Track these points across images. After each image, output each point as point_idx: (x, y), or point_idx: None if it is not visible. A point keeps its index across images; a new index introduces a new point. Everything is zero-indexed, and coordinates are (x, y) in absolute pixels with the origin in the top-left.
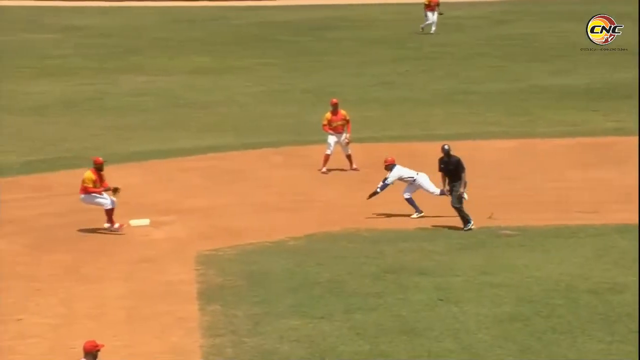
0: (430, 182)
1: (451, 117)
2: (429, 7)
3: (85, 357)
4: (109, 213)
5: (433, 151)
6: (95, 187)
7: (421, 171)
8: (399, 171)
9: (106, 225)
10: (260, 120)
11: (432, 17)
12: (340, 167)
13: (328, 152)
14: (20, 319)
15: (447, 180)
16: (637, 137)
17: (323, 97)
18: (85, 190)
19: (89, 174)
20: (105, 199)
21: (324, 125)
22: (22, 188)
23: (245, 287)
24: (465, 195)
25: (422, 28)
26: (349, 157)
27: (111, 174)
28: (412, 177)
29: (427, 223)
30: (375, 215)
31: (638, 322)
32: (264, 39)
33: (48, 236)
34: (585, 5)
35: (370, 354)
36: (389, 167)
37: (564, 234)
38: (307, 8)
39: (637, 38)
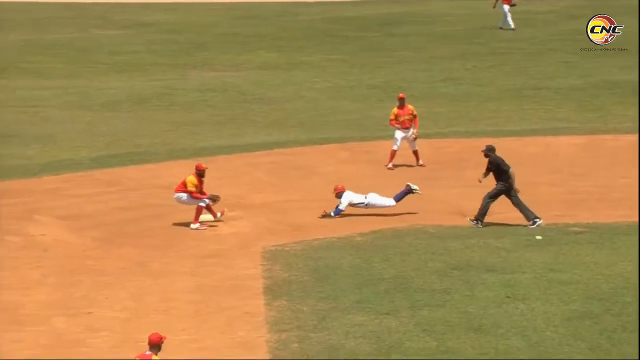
0: (381, 197)
1: (520, 112)
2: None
3: (150, 350)
4: (200, 210)
5: (500, 147)
6: (197, 192)
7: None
8: (350, 197)
9: (194, 226)
10: (326, 115)
11: (506, 10)
12: (406, 163)
13: (394, 147)
14: (90, 313)
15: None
16: None
17: (390, 92)
18: (186, 192)
19: (192, 178)
20: (204, 203)
21: (391, 120)
22: (93, 183)
23: (311, 282)
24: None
25: (501, 27)
26: (415, 152)
27: (179, 170)
28: (362, 202)
29: (493, 219)
30: (441, 212)
31: (638, 322)
32: (331, 35)
33: (118, 230)
34: None
35: (436, 350)
36: (339, 194)
37: (633, 231)
38: (375, 3)
39: (638, 37)
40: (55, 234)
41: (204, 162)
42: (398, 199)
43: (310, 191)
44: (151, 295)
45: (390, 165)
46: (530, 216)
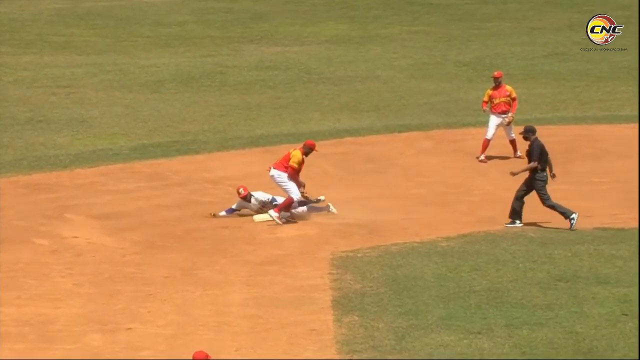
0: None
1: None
2: None
3: None
4: (289, 204)
5: (614, 136)
6: (297, 172)
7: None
8: (259, 196)
9: (275, 214)
10: (406, 98)
11: None
12: (502, 155)
13: (488, 136)
14: (130, 329)
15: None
16: None
17: (482, 71)
18: (286, 168)
19: (298, 153)
20: (296, 190)
21: (484, 102)
22: (133, 176)
23: (388, 295)
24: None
25: None
26: (512, 142)
27: (235, 160)
28: (270, 198)
29: (607, 222)
30: (542, 214)
31: (638, 322)
32: (413, 3)
33: (162, 232)
34: None
35: None
36: (247, 197)
37: None
38: None
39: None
40: (89, 236)
41: (262, 151)
42: (303, 203)
43: (386, 187)
44: (200, 309)
45: (482, 157)
46: (515, 216)
